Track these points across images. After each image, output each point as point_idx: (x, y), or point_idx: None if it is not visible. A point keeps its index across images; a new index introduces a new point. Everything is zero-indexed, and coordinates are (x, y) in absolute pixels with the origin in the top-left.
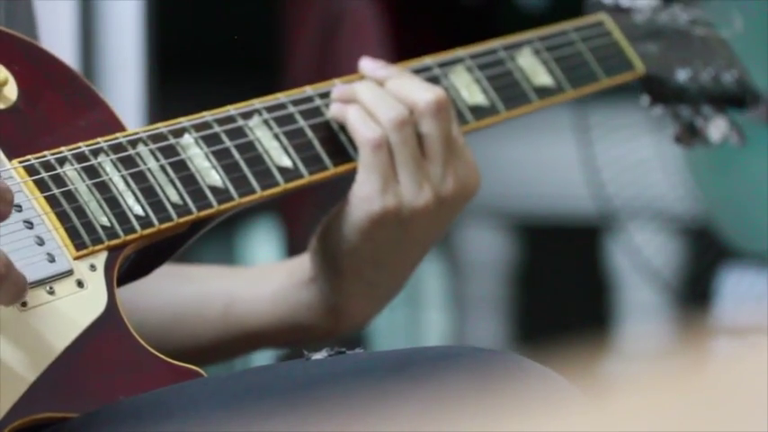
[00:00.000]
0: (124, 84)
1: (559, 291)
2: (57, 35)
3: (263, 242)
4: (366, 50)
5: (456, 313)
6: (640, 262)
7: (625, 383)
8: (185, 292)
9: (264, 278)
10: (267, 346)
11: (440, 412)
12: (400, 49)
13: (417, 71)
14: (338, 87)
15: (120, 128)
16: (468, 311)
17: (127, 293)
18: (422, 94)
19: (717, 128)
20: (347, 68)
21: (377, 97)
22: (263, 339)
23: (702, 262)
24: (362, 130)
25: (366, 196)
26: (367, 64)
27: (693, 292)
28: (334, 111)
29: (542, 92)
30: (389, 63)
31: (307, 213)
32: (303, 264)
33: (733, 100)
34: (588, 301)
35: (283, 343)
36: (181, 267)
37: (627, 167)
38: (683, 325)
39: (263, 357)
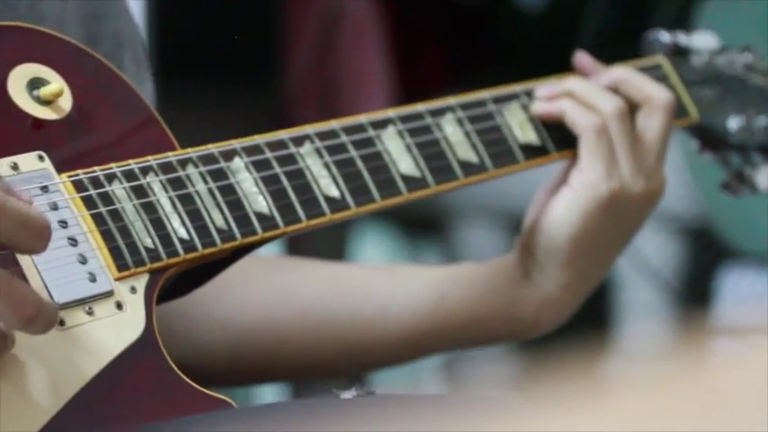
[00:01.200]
0: None
1: None
2: None
3: (263, 249)
4: (366, 50)
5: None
6: (640, 262)
7: (625, 383)
8: (338, 283)
9: (472, 279)
10: (468, 343)
11: None
12: (400, 50)
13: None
14: (543, 87)
15: (171, 146)
16: None
17: (231, 284)
18: (661, 90)
19: (765, 176)
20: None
21: (595, 90)
22: (469, 338)
23: (702, 262)
24: (584, 118)
25: (595, 179)
26: (584, 60)
27: (693, 292)
28: (540, 107)
29: None
30: (391, 63)
31: None
32: (502, 268)
33: None
34: (588, 301)
35: (486, 341)
36: (317, 261)
37: None
38: (683, 325)
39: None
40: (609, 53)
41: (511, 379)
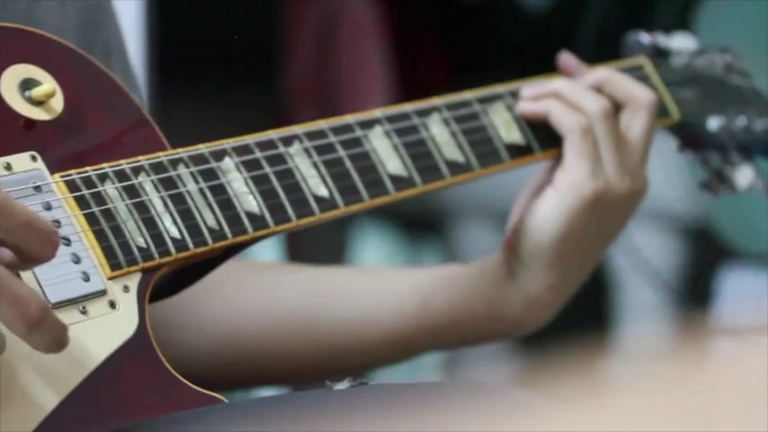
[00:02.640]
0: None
1: None
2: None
3: (264, 250)
4: (365, 50)
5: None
6: (640, 262)
7: (625, 383)
8: (322, 286)
9: (454, 279)
10: (454, 343)
11: None
12: (400, 50)
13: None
14: (529, 87)
15: (162, 146)
16: None
17: (215, 288)
18: (645, 90)
19: (743, 176)
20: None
21: (580, 90)
22: (454, 334)
23: (702, 262)
24: (569, 118)
25: (579, 179)
26: (568, 59)
27: (693, 292)
28: (528, 107)
29: None
30: (391, 63)
31: None
32: (490, 264)
33: (763, 149)
34: (588, 301)
35: (473, 341)
36: (299, 265)
37: None
38: (683, 325)
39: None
40: (609, 53)
41: (511, 378)
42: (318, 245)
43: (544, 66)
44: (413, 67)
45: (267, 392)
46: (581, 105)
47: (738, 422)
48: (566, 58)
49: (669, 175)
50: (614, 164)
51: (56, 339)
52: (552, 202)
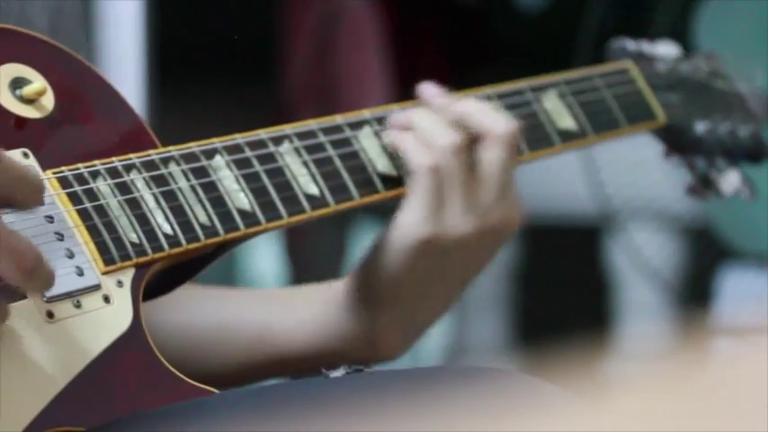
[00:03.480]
0: (124, 84)
1: (559, 291)
2: None
3: (263, 250)
4: (364, 50)
5: (456, 313)
6: (640, 262)
7: (625, 383)
8: (217, 315)
9: (299, 304)
10: (297, 372)
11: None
12: (399, 49)
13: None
14: (395, 114)
15: (153, 144)
16: (468, 311)
17: (157, 309)
18: (500, 121)
19: (729, 181)
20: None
21: (434, 123)
22: (295, 365)
23: (702, 262)
24: (417, 154)
25: (412, 221)
26: (427, 89)
27: (693, 292)
28: (390, 137)
29: (566, 135)
30: (390, 63)
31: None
32: (339, 291)
33: (747, 154)
34: (588, 301)
35: (314, 369)
36: (214, 289)
37: (627, 167)
38: (683, 325)
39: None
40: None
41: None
42: (318, 245)
43: (542, 65)
44: (412, 67)
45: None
46: (431, 141)
47: (738, 422)
48: (426, 89)
49: (669, 175)
50: (458, 207)
51: (47, 283)
52: (389, 240)
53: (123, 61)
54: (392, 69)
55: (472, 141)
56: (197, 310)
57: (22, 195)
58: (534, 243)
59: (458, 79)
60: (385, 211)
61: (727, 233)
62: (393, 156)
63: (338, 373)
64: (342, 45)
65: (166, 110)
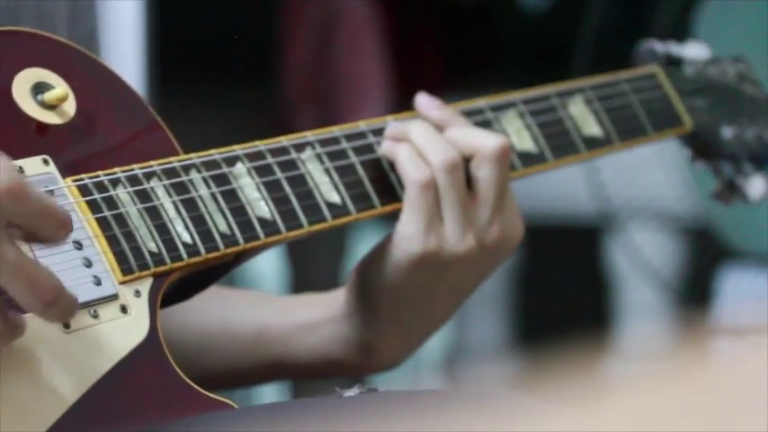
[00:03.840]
0: None
1: (559, 291)
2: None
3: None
4: (363, 51)
5: (456, 313)
6: (640, 262)
7: (625, 383)
8: (220, 315)
9: (300, 309)
10: (295, 376)
11: None
12: (399, 50)
13: (469, 113)
14: (391, 125)
15: (174, 151)
16: (469, 311)
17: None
18: (487, 139)
19: (755, 187)
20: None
21: (429, 138)
22: (292, 370)
23: (702, 262)
24: (411, 169)
25: (409, 236)
26: (423, 101)
27: (693, 292)
28: (385, 148)
29: (591, 142)
30: (390, 63)
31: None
32: (337, 299)
33: None
34: (588, 301)
35: (311, 375)
36: (215, 289)
37: (627, 167)
38: (683, 325)
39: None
40: (609, 53)
41: (511, 378)
42: (318, 246)
43: (544, 66)
44: (411, 68)
45: (270, 397)
46: (426, 156)
47: (738, 422)
48: (422, 99)
49: (669, 175)
50: (455, 223)
51: (68, 313)
52: (383, 254)
53: (123, 61)
54: (391, 70)
55: (466, 159)
56: (200, 310)
57: (47, 231)
58: (534, 243)
59: (457, 80)
60: (384, 214)
61: (727, 233)
62: None
63: (352, 392)
64: (341, 45)
65: (166, 110)
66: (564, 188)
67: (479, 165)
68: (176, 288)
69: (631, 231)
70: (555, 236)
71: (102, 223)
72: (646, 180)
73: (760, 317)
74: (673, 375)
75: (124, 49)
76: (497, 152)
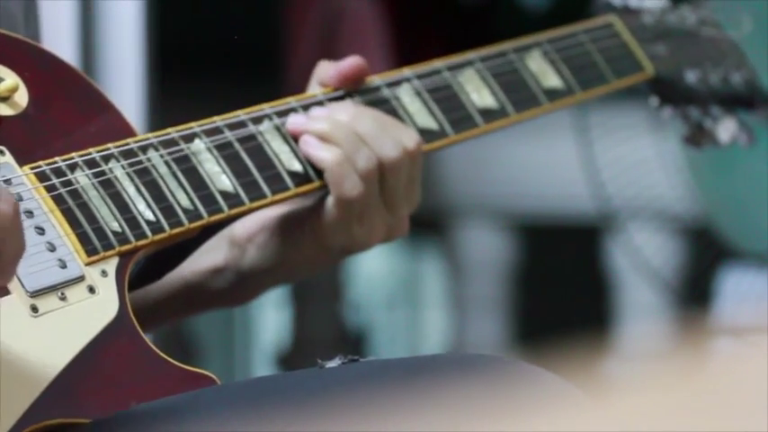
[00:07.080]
0: (124, 83)
1: (559, 291)
2: (57, 35)
3: None
4: (366, 49)
5: (456, 313)
6: (640, 262)
7: (625, 383)
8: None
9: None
10: (212, 304)
11: (449, 418)
12: (400, 48)
13: (427, 75)
14: (308, 120)
15: (131, 133)
16: (468, 311)
17: None
18: (392, 149)
19: (726, 129)
20: None
21: (352, 147)
22: (202, 292)
23: (702, 262)
24: (337, 182)
25: (330, 233)
26: (345, 70)
27: (693, 292)
28: (304, 147)
29: (552, 94)
30: (390, 63)
31: None
32: (240, 228)
33: (742, 101)
34: (588, 301)
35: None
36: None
37: (627, 167)
38: (683, 325)
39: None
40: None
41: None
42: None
43: None
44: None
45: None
46: (354, 166)
47: (738, 422)
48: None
49: (669, 175)
50: (374, 223)
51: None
52: (306, 234)
53: (123, 61)
54: (394, 68)
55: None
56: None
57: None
58: (534, 243)
59: None
60: None
61: (728, 233)
62: None
63: (333, 363)
64: (343, 45)
65: (166, 110)
66: (564, 188)
67: (389, 173)
68: (146, 268)
69: (631, 231)
70: (555, 236)
71: (63, 207)
72: (646, 180)
73: (760, 317)
74: (673, 375)
75: (124, 49)
76: (402, 158)
